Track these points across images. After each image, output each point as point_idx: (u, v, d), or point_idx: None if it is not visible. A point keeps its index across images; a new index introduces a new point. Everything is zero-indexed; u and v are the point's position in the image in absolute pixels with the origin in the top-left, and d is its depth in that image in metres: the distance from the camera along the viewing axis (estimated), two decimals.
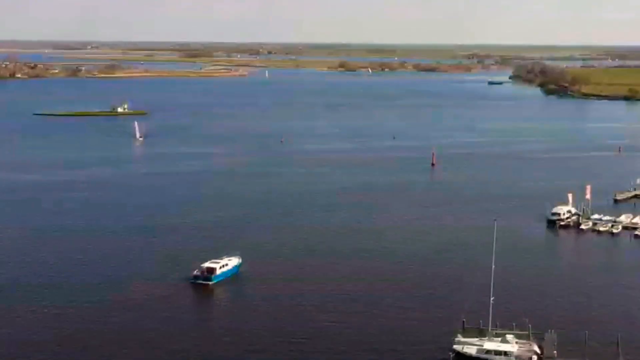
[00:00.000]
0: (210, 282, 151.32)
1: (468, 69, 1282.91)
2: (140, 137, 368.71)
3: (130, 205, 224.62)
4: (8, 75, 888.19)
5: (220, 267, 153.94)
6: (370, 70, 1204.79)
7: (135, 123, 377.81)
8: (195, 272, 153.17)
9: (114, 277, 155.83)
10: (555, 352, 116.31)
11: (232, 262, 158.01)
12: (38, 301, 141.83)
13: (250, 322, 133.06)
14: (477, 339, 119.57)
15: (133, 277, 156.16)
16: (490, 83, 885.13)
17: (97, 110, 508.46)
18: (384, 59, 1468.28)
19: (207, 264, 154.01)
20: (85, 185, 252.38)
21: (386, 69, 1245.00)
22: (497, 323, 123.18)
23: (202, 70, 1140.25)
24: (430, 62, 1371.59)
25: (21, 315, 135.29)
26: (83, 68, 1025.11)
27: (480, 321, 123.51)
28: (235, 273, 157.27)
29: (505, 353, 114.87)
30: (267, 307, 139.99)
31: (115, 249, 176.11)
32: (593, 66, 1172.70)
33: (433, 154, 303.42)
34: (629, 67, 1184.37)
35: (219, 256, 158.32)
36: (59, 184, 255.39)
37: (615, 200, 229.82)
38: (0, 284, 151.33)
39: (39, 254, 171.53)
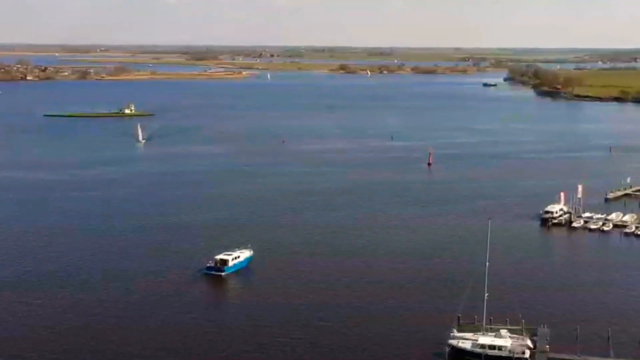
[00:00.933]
0: (223, 273, 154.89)
1: (464, 72, 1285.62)
2: (143, 139, 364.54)
3: (139, 204, 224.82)
4: (20, 78, 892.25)
5: (233, 259, 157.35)
6: (369, 73, 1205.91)
7: (138, 125, 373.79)
8: (209, 264, 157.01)
9: (132, 269, 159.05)
10: (547, 346, 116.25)
11: (244, 254, 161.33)
12: (56, 292, 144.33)
13: (260, 310, 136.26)
14: (471, 333, 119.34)
15: (150, 268, 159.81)
16: (485, 85, 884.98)
17: (105, 111, 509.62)
18: (383, 62, 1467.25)
19: (220, 256, 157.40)
20: (92, 185, 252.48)
21: (385, 72, 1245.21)
22: (491, 318, 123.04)
23: (207, 73, 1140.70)
24: (428, 64, 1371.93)
25: (42, 305, 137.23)
26: (92, 71, 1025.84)
27: (475, 317, 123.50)
28: (246, 265, 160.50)
29: (499, 347, 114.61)
30: (276, 297, 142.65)
31: (131, 244, 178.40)
32: (585, 68, 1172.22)
33: (429, 154, 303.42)
34: (619, 69, 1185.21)
35: (231, 249, 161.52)
36: (68, 183, 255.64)
37: (606, 199, 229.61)
38: (26, 275, 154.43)
39: (52, 249, 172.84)
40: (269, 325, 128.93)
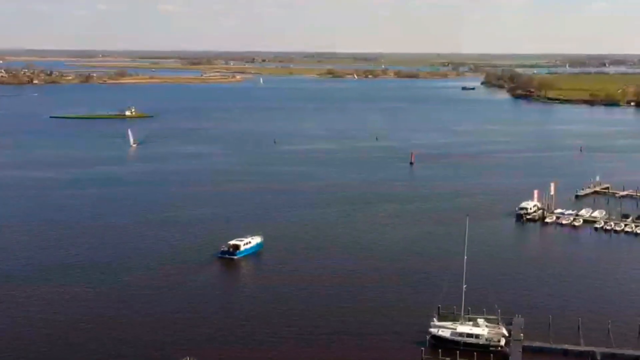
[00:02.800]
0: (235, 257, 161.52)
1: (444, 76, 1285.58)
2: (134, 143, 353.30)
3: (143, 200, 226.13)
4: (27, 82, 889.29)
5: (244, 245, 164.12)
6: (356, 77, 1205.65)
7: (129, 130, 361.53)
8: (222, 248, 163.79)
9: (152, 255, 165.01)
10: (522, 335, 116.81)
11: (255, 240, 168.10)
12: (82, 281, 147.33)
13: (267, 290, 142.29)
14: (451, 323, 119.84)
15: (169, 253, 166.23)
16: (464, 88, 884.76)
17: (107, 113, 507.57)
18: (369, 67, 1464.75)
19: (233, 242, 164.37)
20: (95, 182, 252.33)
21: (370, 76, 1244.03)
22: (469, 309, 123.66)
23: (203, 77, 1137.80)
24: (411, 69, 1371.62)
25: (67, 293, 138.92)
26: (94, 75, 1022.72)
27: (454, 307, 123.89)
28: (257, 250, 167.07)
29: (477, 336, 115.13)
30: (282, 279, 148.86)
31: (151, 234, 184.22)
32: (557, 73, 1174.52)
33: (412, 154, 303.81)
34: (589, 73, 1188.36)
35: (243, 236, 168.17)
36: (79, 180, 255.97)
37: (577, 196, 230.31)
38: (49, 266, 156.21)
39: (83, 241, 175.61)
40: (274, 304, 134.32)
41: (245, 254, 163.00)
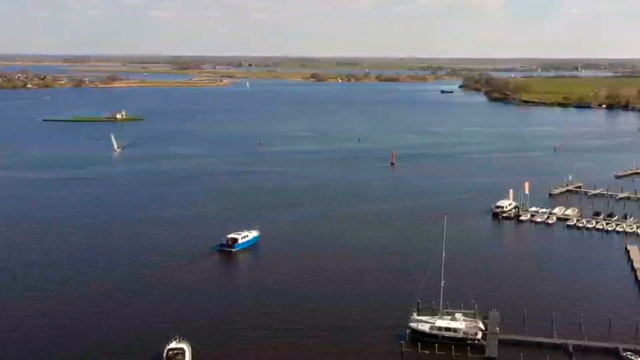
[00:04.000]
0: (233, 249, 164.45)
1: (424, 79, 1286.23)
2: (118, 148, 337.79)
3: (136, 200, 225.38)
4: (21, 86, 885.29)
5: (242, 238, 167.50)
6: (340, 80, 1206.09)
7: (112, 135, 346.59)
8: (221, 241, 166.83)
9: (152, 248, 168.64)
10: (497, 328, 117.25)
11: (252, 234, 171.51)
12: (92, 273, 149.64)
13: (264, 281, 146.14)
14: (430, 317, 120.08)
15: (170, 246, 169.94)
16: (443, 91, 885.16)
17: (99, 116, 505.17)
18: (352, 71, 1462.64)
19: (231, 235, 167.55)
20: (84, 182, 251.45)
21: (352, 80, 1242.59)
22: (447, 303, 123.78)
23: (191, 81, 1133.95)
24: (391, 73, 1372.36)
25: (86, 286, 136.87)
26: (87, 79, 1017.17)
27: (433, 302, 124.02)
28: (254, 243, 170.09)
29: (455, 329, 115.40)
30: (277, 270, 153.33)
31: (148, 231, 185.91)
32: (532, 76, 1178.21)
33: (393, 154, 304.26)
34: (562, 77, 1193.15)
35: (241, 230, 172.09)
36: (66, 180, 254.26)
37: (550, 195, 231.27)
38: (59, 264, 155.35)
39: (81, 237, 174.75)
40: (269, 293, 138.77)
41: (243, 246, 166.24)
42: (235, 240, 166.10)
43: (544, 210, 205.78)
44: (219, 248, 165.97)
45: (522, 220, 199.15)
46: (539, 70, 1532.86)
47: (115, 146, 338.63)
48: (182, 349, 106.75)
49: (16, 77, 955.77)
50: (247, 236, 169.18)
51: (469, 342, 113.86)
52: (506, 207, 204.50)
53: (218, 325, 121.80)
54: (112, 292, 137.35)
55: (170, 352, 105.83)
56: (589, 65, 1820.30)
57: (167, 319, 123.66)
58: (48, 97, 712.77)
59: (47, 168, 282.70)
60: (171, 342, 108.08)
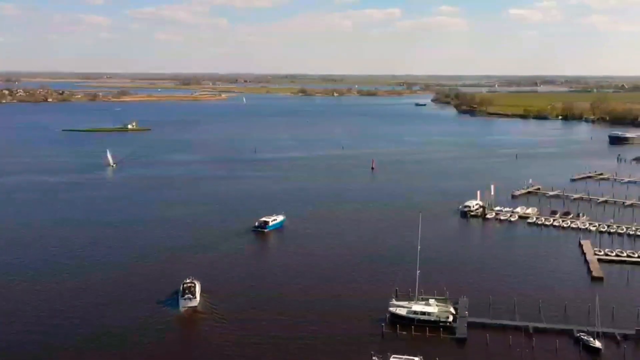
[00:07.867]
0: (265, 230, 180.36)
1: (400, 94, 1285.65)
2: (114, 164, 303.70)
3: (158, 201, 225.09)
4: (41, 100, 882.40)
5: (272, 221, 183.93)
6: (325, 95, 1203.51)
7: (107, 151, 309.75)
8: (255, 224, 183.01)
9: (199, 228, 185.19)
10: (467, 312, 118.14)
11: (280, 217, 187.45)
12: (129, 262, 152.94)
13: (290, 256, 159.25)
14: (406, 302, 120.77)
15: (215, 226, 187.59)
16: (417, 105, 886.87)
17: (112, 126, 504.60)
18: (335, 86, 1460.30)
19: (263, 218, 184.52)
20: (110, 184, 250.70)
21: (336, 94, 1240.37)
22: (422, 290, 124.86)
23: (193, 96, 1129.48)
24: (370, 88, 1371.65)
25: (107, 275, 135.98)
26: (100, 94, 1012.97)
27: (409, 289, 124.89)
28: (281, 225, 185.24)
29: (429, 313, 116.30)
30: (299, 247, 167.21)
31: (200, 216, 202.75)
32: (496, 91, 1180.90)
33: (373, 161, 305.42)
34: (523, 92, 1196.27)
35: (270, 215, 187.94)
36: (104, 182, 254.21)
37: (513, 196, 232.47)
38: (75, 258, 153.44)
39: (132, 237, 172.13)
40: (296, 266, 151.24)
41: (272, 228, 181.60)
42: (266, 222, 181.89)
43: (507, 209, 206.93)
44: (253, 229, 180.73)
45: (488, 219, 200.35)
46: (499, 87, 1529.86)
47: (111, 161, 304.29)
48: (194, 282, 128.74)
49: (38, 92, 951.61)
50: (275, 219, 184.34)
51: (441, 324, 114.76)
52: (474, 206, 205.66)
53: (235, 278, 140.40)
54: (171, 258, 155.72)
55: (185, 285, 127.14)
56: (546, 81, 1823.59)
57: (198, 270, 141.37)
58: (119, 109, 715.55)
59: (59, 172, 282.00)
60: (186, 280, 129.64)
